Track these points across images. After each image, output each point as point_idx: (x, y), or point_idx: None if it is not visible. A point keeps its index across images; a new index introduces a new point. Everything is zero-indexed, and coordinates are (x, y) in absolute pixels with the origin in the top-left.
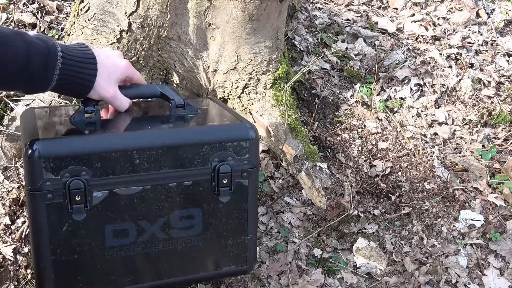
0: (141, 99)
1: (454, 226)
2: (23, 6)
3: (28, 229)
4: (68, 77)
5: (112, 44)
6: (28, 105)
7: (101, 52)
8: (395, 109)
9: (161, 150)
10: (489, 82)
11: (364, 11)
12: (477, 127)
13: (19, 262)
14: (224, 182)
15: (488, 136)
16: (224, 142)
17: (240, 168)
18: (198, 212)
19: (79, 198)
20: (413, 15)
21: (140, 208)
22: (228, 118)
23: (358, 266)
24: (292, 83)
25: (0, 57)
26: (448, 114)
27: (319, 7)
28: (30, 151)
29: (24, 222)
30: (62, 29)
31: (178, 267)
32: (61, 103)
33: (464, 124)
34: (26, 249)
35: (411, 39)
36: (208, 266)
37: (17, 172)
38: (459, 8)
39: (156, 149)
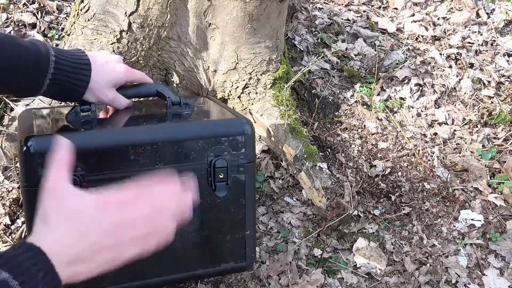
0: (141, 99)
1: (454, 226)
2: (23, 6)
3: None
4: (60, 82)
5: (112, 44)
6: (28, 105)
7: (100, 57)
8: (395, 109)
9: (156, 145)
10: (489, 82)
11: (364, 11)
12: (477, 127)
13: None
14: (221, 177)
15: (488, 136)
16: (220, 136)
17: (236, 163)
18: (195, 207)
19: None
20: (413, 15)
21: None
22: (224, 114)
23: (358, 266)
24: (292, 83)
25: None
26: (448, 114)
27: (319, 7)
28: (25, 147)
29: (24, 222)
30: (62, 29)
31: (176, 264)
32: (61, 103)
33: (464, 124)
34: None
35: (411, 39)
36: (206, 263)
37: (17, 172)
38: (459, 8)
39: (151, 145)
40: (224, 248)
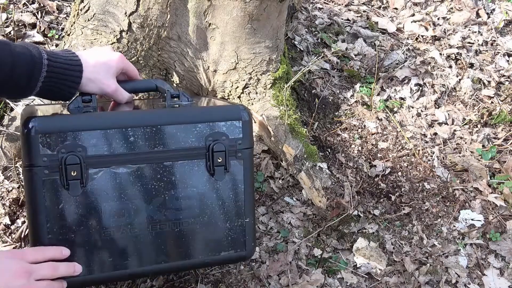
0: (143, 99)
1: (454, 226)
2: (23, 6)
3: (27, 229)
4: (52, 83)
5: (112, 44)
6: (27, 104)
7: (92, 52)
8: (395, 109)
9: (156, 128)
10: (489, 82)
11: (364, 11)
12: (477, 127)
13: None
14: (219, 161)
15: (488, 136)
16: (218, 121)
17: (234, 148)
18: (194, 192)
19: (74, 174)
20: (413, 15)
21: (136, 187)
22: (221, 104)
23: (358, 266)
24: (292, 83)
25: None
26: (448, 114)
27: (319, 7)
28: (26, 127)
29: (24, 222)
30: (62, 29)
31: (176, 251)
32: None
33: (464, 124)
34: None
35: (411, 39)
36: (206, 251)
37: (17, 172)
38: (459, 8)
39: (151, 127)
40: (224, 236)
